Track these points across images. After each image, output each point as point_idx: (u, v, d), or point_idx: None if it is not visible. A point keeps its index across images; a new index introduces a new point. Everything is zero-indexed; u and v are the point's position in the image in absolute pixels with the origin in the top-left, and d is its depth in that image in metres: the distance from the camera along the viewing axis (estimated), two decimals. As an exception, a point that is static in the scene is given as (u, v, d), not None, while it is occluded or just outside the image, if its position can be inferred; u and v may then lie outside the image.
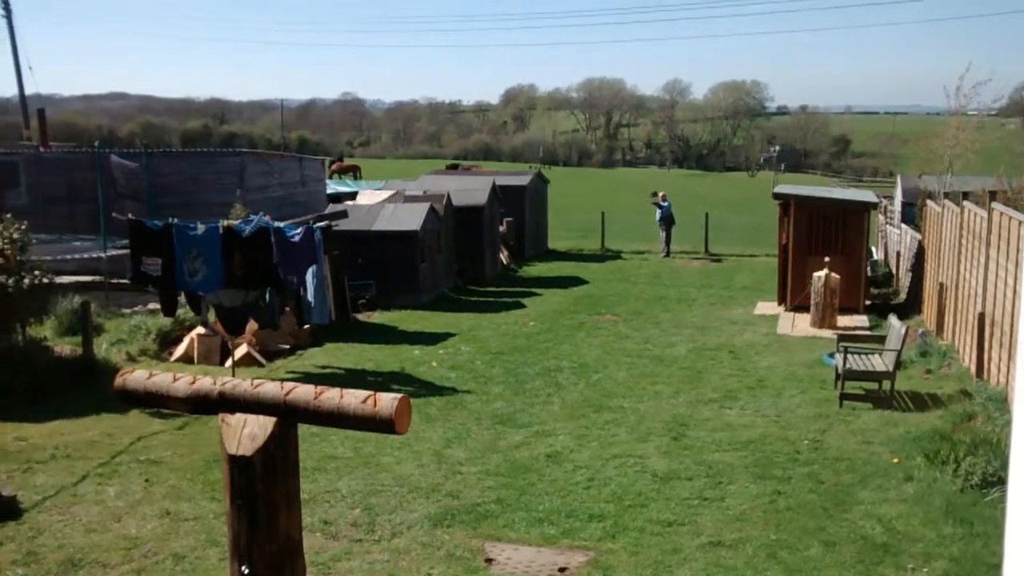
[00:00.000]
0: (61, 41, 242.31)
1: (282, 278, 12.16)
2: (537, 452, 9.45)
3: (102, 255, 17.36)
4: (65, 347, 12.66)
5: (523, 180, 26.92)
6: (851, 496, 8.13)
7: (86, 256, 17.71)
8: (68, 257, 17.06)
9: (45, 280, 11.63)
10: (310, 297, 12.67)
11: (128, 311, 15.45)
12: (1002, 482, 7.73)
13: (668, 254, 27.32)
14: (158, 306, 14.12)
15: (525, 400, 11.54)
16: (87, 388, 11.41)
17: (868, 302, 17.67)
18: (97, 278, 16.90)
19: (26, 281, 11.24)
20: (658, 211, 27.75)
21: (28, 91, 42.18)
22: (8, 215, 11.35)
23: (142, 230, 12.11)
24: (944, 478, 8.28)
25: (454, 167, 50.99)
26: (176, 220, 12.14)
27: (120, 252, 16.03)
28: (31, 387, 11.06)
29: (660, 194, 28.44)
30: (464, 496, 8.21)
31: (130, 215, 12.65)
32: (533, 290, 20.88)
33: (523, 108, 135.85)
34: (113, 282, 16.59)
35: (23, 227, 11.32)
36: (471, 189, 22.59)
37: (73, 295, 14.25)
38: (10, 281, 11.08)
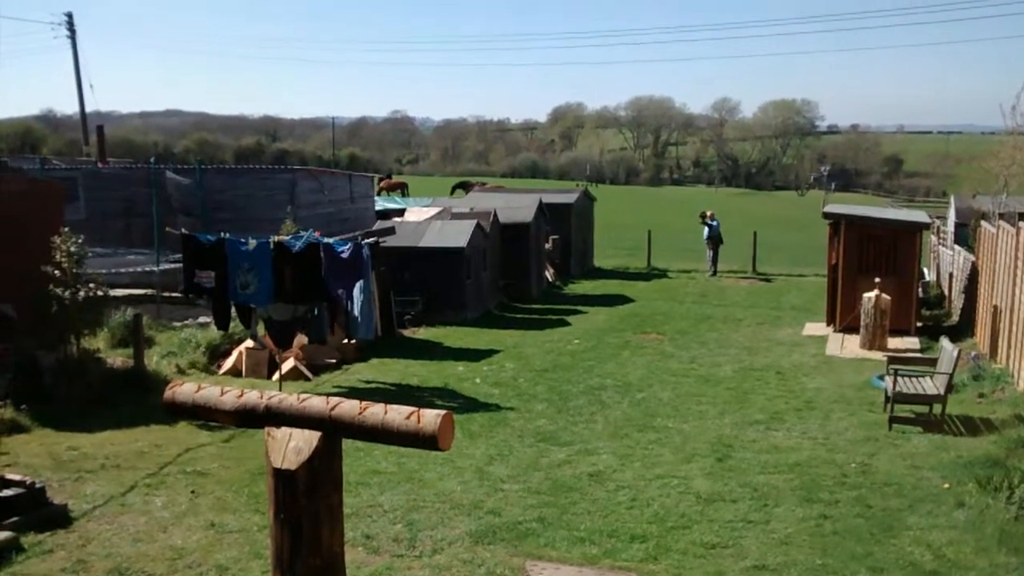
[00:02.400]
0: (120, 59, 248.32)
1: (331, 293, 12.29)
2: (580, 471, 9.41)
3: (155, 269, 17.69)
4: (117, 359, 12.91)
5: (570, 198, 26.93)
6: (900, 521, 7.97)
7: (140, 270, 18.07)
8: (122, 270, 17.42)
9: (99, 293, 11.86)
10: (356, 312, 12.78)
11: (179, 324, 15.72)
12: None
13: (715, 273, 27.11)
14: (208, 319, 14.39)
15: (568, 418, 11.51)
16: (137, 399, 11.61)
17: (919, 324, 17.36)
18: (150, 291, 17.23)
19: (81, 294, 11.49)
20: (706, 229, 27.58)
21: (88, 108, 43.42)
22: (66, 229, 11.62)
23: (195, 244, 12.35)
24: (997, 505, 8.09)
25: (463, 185, 51.71)
26: (228, 235, 12.35)
27: (173, 266, 16.33)
28: (84, 397, 11.28)
29: (709, 213, 28.28)
30: (506, 513, 8.20)
31: (183, 229, 12.89)
32: (578, 308, 20.84)
33: (571, 126, 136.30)
34: (165, 295, 16.89)
35: (80, 241, 11.58)
36: (518, 207, 22.64)
37: (126, 308, 14.53)
38: (66, 293, 11.33)
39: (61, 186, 14.67)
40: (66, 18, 42.55)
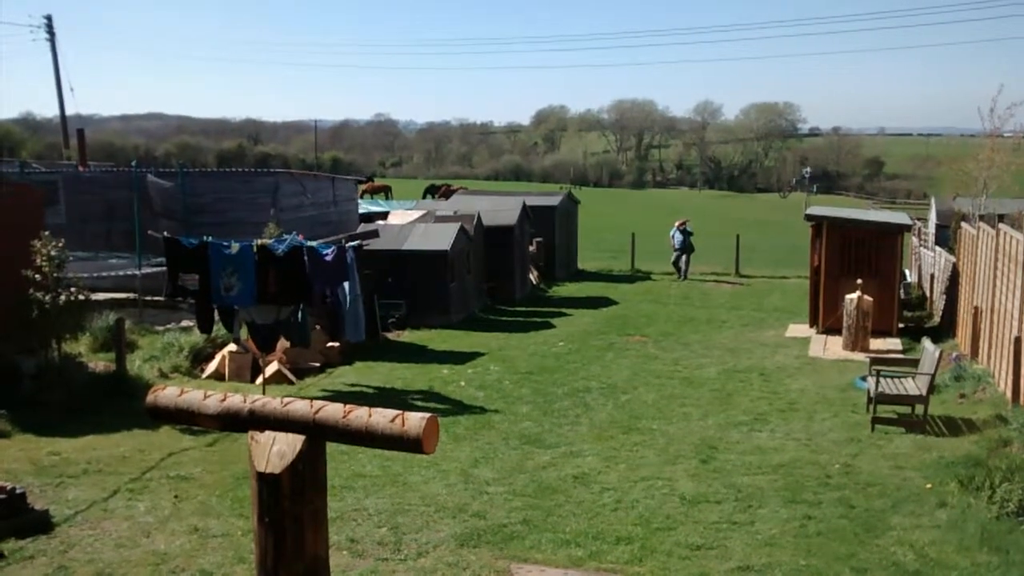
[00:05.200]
0: (101, 62, 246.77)
1: (315, 296, 12.25)
2: (564, 473, 9.42)
3: (137, 273, 17.59)
4: (99, 363, 12.82)
5: (553, 201, 26.97)
6: (883, 522, 8.02)
7: (121, 274, 17.95)
8: (104, 275, 17.31)
9: (81, 297, 11.79)
10: (346, 315, 12.74)
11: (161, 328, 15.63)
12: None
13: (679, 276, 27.11)
14: (191, 323, 14.31)
15: (553, 421, 11.51)
16: (120, 404, 11.53)
17: (901, 325, 17.48)
18: (132, 295, 17.13)
19: (62, 298, 11.41)
20: (681, 237, 27.29)
21: (68, 111, 43.16)
22: (46, 233, 11.53)
23: (178, 248, 12.27)
24: (979, 505, 8.15)
25: (432, 189, 52.16)
26: (211, 238, 12.28)
27: (155, 270, 16.23)
28: (65, 402, 11.20)
29: (680, 221, 28.22)
30: (491, 516, 8.19)
31: (165, 232, 12.81)
32: (562, 310, 20.85)
33: (554, 129, 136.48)
34: (147, 299, 16.79)
35: (61, 245, 11.50)
36: (501, 209, 22.64)
37: (108, 312, 14.44)
38: (47, 298, 11.25)
39: (41, 190, 14.55)
40: (45, 20, 42.26)
